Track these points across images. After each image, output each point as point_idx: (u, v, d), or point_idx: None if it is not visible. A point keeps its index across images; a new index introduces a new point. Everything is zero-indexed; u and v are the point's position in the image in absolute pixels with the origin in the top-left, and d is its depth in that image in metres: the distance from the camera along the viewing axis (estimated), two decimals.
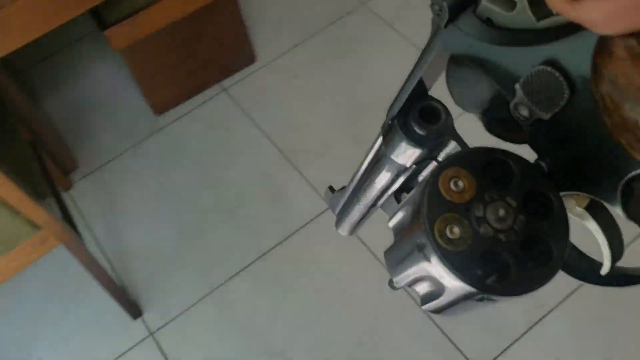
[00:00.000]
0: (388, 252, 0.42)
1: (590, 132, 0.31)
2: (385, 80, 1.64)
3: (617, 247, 0.37)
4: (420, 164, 0.43)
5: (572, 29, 0.28)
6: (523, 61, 0.32)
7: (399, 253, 0.39)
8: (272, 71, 1.71)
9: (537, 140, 0.34)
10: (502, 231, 0.33)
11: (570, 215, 0.34)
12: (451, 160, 0.34)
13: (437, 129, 0.40)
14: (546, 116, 0.32)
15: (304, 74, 1.70)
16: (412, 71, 0.39)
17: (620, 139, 0.27)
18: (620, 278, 0.38)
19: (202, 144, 1.61)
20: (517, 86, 0.32)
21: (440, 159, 0.42)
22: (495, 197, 0.33)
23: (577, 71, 0.29)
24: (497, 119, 0.37)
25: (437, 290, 0.36)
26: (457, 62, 0.37)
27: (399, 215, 0.41)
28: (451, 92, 0.39)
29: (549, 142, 0.34)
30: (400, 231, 0.40)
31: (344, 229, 0.58)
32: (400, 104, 0.40)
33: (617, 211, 0.32)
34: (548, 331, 1.26)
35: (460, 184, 0.33)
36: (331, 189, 0.59)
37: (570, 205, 0.36)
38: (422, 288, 0.39)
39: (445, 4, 0.34)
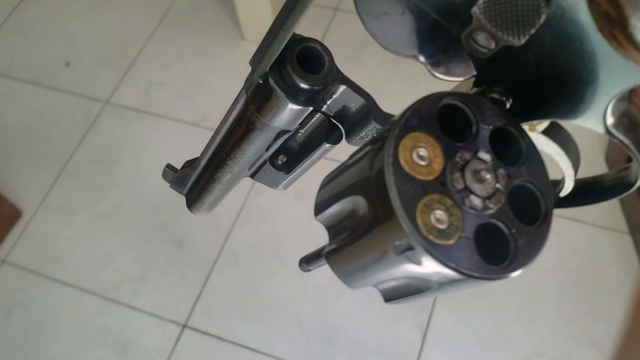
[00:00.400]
0: (335, 258, 0.32)
1: (570, 52, 0.26)
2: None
3: (577, 164, 0.33)
4: (304, 121, 0.35)
5: None
6: None
7: (358, 260, 0.31)
8: (46, 216, 1.51)
9: (498, 71, 0.28)
10: (490, 197, 0.27)
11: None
12: (402, 125, 0.26)
13: (324, 76, 0.32)
14: (519, 42, 0.25)
15: (82, 201, 1.52)
16: (287, 16, 0.29)
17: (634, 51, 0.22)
18: (579, 195, 0.34)
19: (8, 332, 1.36)
20: (475, 10, 0.25)
21: (324, 109, 0.34)
22: (467, 157, 0.27)
23: None
24: (440, 55, 0.30)
25: (418, 287, 0.30)
26: None
27: (334, 209, 0.32)
28: (373, 34, 0.30)
29: (514, 71, 0.28)
30: (347, 231, 0.31)
31: (200, 210, 0.48)
32: (272, 59, 0.31)
33: (595, 129, 0.28)
34: (441, 329, 1.27)
35: (424, 152, 0.26)
36: (171, 167, 0.48)
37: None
38: (390, 285, 0.31)
39: None
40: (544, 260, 1.31)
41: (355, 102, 0.34)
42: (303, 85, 0.32)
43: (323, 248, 0.36)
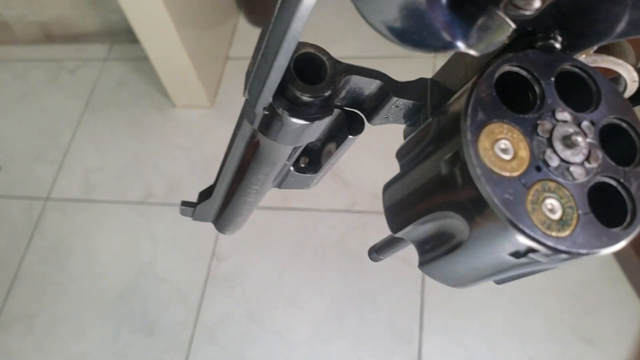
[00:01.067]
0: (434, 270, 0.29)
1: None
2: (123, 253, 1.48)
3: (636, 63, 0.31)
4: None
5: None
6: None
7: (465, 269, 0.28)
8: (5, 331, 1.43)
9: (543, 23, 0.26)
10: (587, 158, 0.24)
11: None
12: (471, 126, 0.24)
13: (330, 80, 0.29)
14: None
15: (41, 306, 1.44)
16: (281, 43, 0.25)
17: None
18: None
19: None
20: None
21: (338, 103, 0.32)
22: (549, 126, 0.24)
23: None
24: (475, 30, 0.26)
25: (538, 271, 0.27)
26: None
27: (420, 227, 0.29)
28: (403, 43, 0.25)
29: (555, 6, 0.25)
30: (443, 245, 0.28)
31: (232, 231, 0.47)
32: (272, 89, 0.28)
33: None
34: (434, 356, 1.24)
35: (505, 144, 0.24)
36: (187, 203, 0.46)
37: (578, 57, 0.28)
38: (505, 276, 0.30)
39: None
40: None
41: (368, 85, 0.31)
42: (312, 99, 0.29)
43: (392, 237, 0.34)
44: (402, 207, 0.30)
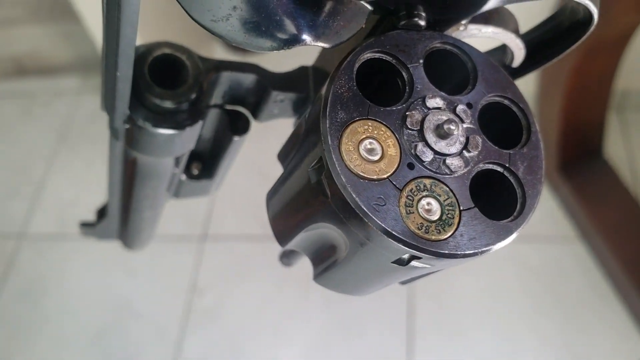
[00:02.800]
0: (327, 281, 0.27)
1: None
2: (100, 289, 1.43)
3: (518, 28, 0.27)
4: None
5: None
6: None
7: (356, 279, 0.25)
8: None
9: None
10: (466, 146, 0.22)
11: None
12: (331, 129, 0.21)
13: (194, 81, 0.26)
14: None
15: (17, 347, 1.39)
16: (117, 51, 0.22)
17: None
18: (535, 56, 0.29)
19: None
20: None
21: (213, 103, 0.28)
22: (419, 117, 0.22)
23: None
24: (321, 19, 0.23)
25: (434, 271, 0.25)
26: None
27: (303, 239, 0.26)
28: (239, 42, 0.22)
29: None
30: (331, 257, 0.25)
31: (141, 246, 0.43)
32: (126, 100, 0.24)
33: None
34: None
35: (372, 143, 0.21)
36: (86, 224, 0.43)
37: (451, 33, 0.25)
38: (403, 279, 0.27)
39: None
40: (508, 286, 1.28)
41: (244, 81, 0.28)
42: (176, 105, 0.26)
43: None
44: (284, 218, 0.27)
